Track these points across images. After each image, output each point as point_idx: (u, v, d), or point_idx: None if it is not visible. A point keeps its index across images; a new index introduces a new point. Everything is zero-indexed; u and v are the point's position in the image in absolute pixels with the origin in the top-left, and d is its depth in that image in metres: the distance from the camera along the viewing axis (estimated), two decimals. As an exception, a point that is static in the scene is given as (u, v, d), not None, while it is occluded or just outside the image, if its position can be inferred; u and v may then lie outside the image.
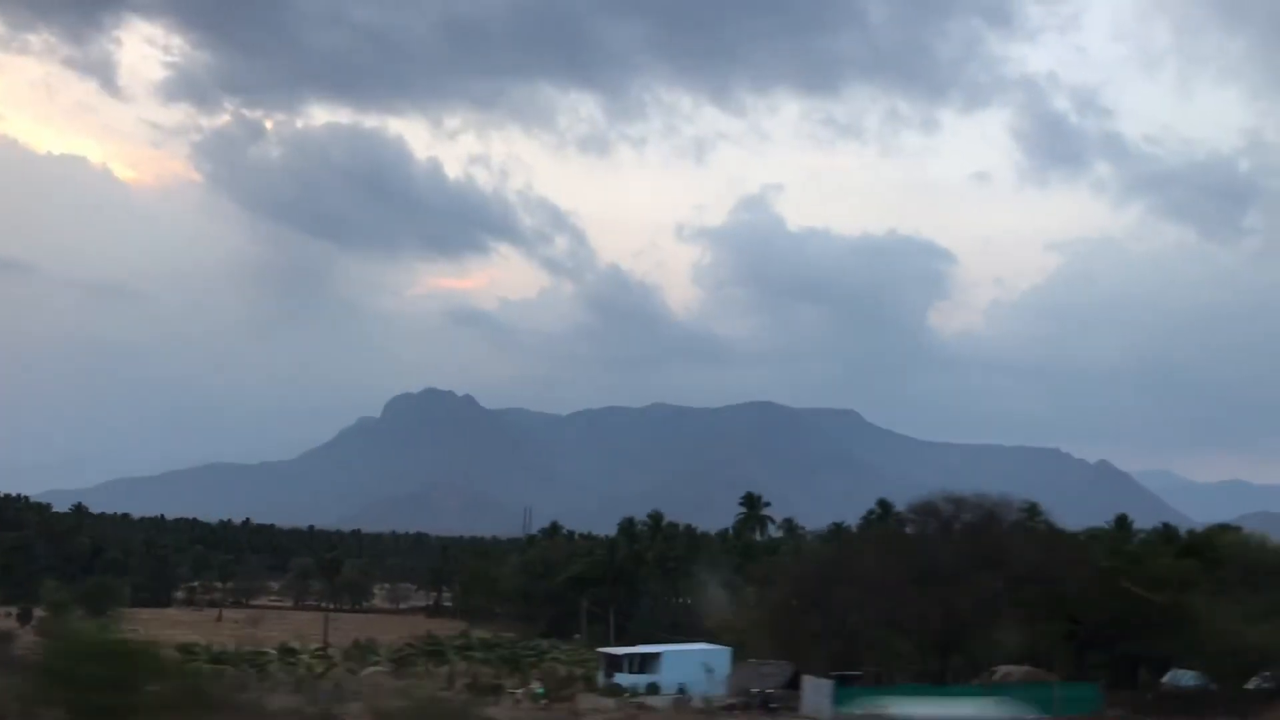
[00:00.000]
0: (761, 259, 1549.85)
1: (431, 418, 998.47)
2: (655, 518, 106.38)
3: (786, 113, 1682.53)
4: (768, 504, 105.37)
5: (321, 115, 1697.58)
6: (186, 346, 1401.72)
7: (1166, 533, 58.10)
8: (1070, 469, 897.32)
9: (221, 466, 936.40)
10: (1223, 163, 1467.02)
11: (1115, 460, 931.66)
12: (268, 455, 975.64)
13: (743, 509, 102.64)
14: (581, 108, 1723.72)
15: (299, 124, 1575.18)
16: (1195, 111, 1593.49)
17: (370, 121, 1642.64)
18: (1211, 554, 48.76)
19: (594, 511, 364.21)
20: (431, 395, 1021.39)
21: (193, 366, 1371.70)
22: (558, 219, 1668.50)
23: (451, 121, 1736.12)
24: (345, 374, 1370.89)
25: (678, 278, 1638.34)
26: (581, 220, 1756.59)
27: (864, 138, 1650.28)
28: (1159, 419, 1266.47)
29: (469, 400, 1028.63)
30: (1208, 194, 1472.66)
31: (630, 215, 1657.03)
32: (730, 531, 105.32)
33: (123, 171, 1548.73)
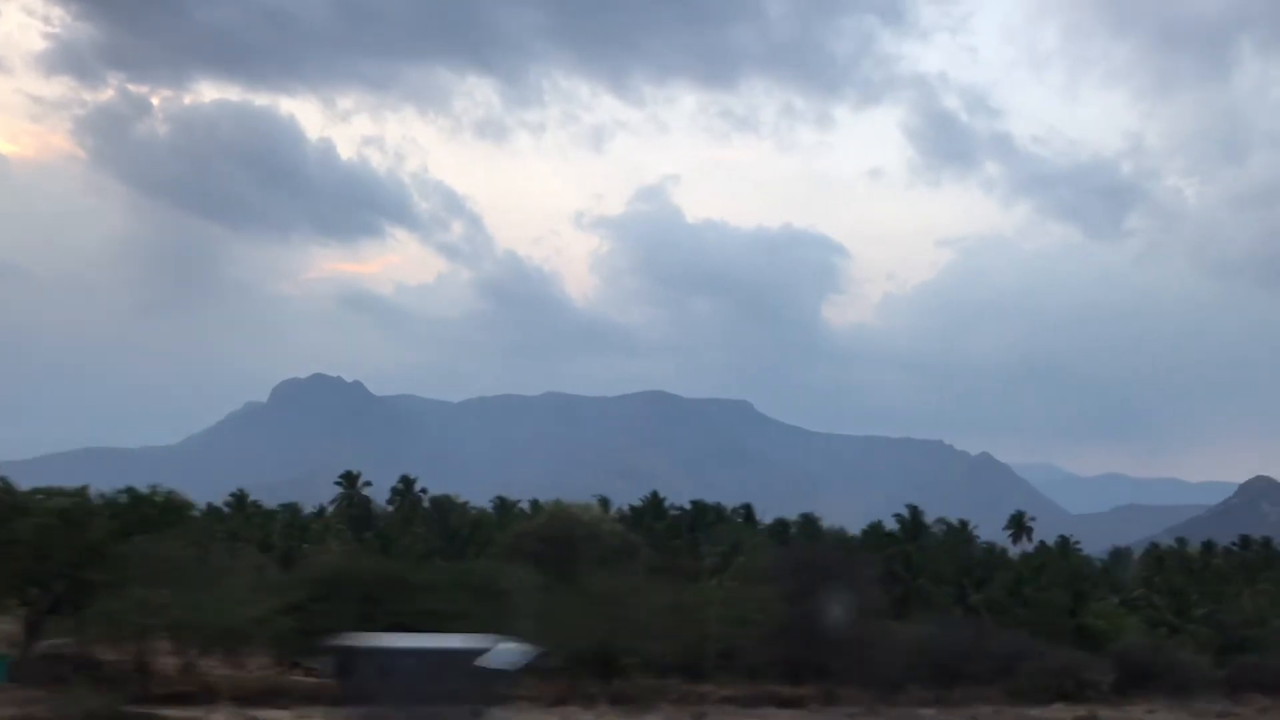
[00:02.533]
0: (659, 249, 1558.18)
1: (319, 404, 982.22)
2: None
3: (684, 104, 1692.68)
4: (368, 483, 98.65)
5: (210, 92, 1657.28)
6: (67, 326, 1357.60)
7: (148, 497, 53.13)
8: (952, 461, 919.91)
9: (101, 450, 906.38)
10: (1106, 165, 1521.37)
11: (996, 453, 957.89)
12: (150, 439, 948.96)
13: (340, 485, 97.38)
14: (478, 92, 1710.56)
15: (186, 101, 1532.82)
16: (1081, 114, 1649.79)
17: (261, 100, 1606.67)
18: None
19: (485, 501, 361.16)
20: (320, 381, 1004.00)
21: (72, 347, 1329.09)
22: (454, 204, 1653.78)
23: (345, 102, 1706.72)
24: (233, 358, 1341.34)
25: (576, 266, 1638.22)
26: (478, 206, 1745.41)
27: (760, 131, 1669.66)
28: (1042, 413, 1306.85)
29: (358, 386, 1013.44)
30: (1092, 195, 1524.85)
31: (528, 202, 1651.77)
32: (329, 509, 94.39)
33: (2, 145, 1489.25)
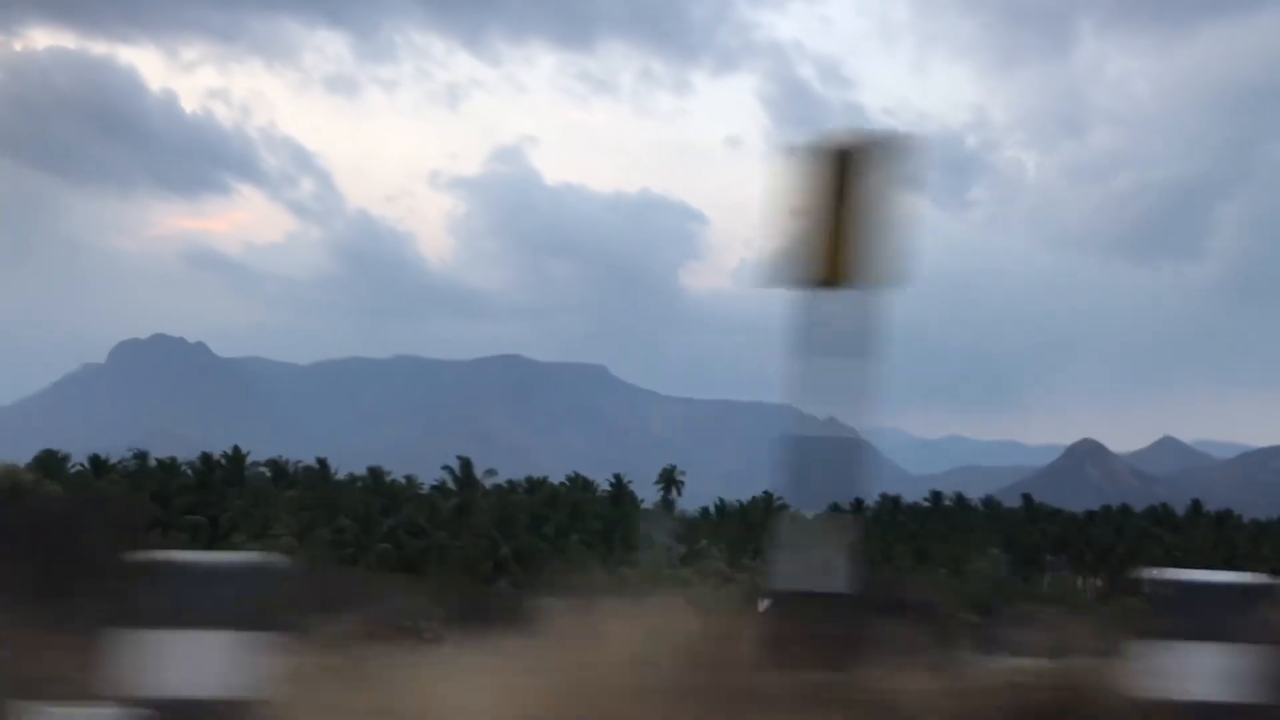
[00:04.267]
0: (516, 211, 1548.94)
1: (160, 365, 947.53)
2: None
3: (542, 64, 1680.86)
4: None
5: (43, 38, 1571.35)
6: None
7: None
8: (801, 425, 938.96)
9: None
10: (952, 137, 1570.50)
11: (843, 416, 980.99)
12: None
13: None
14: (328, 46, 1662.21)
15: (18, 46, 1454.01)
16: (929, 87, 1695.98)
17: (98, 48, 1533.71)
18: None
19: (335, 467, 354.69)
20: (161, 341, 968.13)
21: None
22: (303, 160, 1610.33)
23: (188, 53, 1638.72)
24: (69, 317, 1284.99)
25: (431, 226, 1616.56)
26: (329, 163, 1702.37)
27: (619, 95, 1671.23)
28: (888, 378, 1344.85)
29: (201, 347, 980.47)
30: (938, 166, 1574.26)
31: (381, 161, 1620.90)
32: None
33: None
